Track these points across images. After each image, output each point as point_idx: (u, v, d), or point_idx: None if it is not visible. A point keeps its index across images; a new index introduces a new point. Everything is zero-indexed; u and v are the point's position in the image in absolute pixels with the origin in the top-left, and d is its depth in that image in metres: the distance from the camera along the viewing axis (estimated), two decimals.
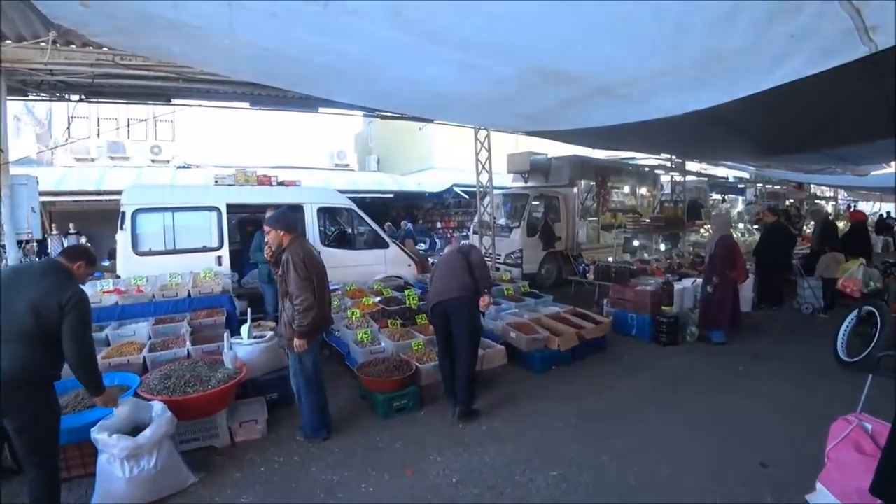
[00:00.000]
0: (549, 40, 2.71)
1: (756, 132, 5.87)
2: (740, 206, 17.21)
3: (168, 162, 18.11)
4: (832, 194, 24.19)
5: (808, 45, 2.71)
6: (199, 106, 8.53)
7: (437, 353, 4.80)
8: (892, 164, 10.50)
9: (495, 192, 12.30)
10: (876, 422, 2.97)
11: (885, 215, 21.81)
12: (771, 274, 8.52)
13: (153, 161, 17.90)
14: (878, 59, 2.76)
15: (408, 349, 5.16)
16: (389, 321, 5.77)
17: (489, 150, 10.13)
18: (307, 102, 8.46)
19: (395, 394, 4.49)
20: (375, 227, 8.55)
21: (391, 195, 20.19)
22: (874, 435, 2.89)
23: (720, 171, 15.52)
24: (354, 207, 8.52)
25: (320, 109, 9.44)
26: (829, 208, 22.19)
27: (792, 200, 19.06)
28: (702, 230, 11.58)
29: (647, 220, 8.84)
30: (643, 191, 13.46)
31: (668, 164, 11.95)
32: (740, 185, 17.04)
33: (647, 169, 12.59)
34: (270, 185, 8.01)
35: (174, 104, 8.49)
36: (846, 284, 5.91)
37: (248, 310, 5.44)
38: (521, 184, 12.33)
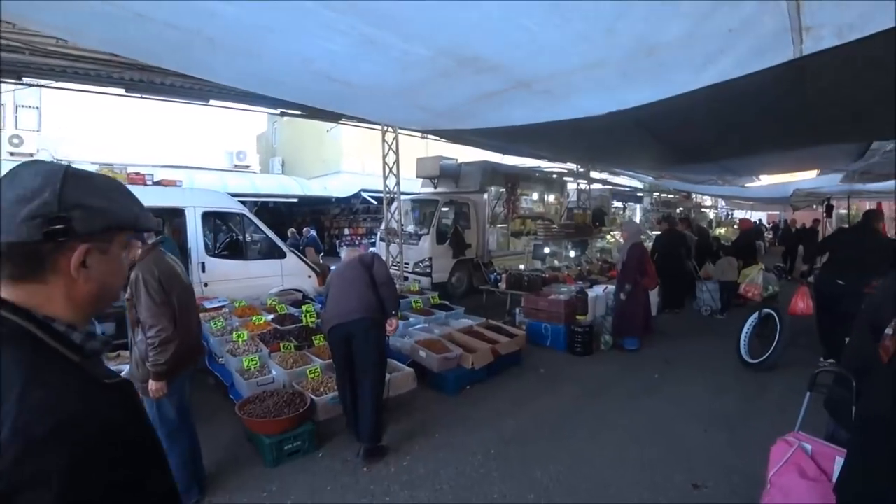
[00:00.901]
0: (469, 13, 2.22)
1: (662, 140, 5.88)
2: (638, 214, 18.11)
3: (32, 155, 15.59)
4: (712, 203, 26.44)
5: (743, 43, 2.52)
6: (58, 88, 7.21)
7: (336, 381, 4.15)
8: (762, 177, 11.42)
9: (404, 197, 11.80)
10: (815, 441, 2.79)
11: (757, 223, 24.09)
12: (671, 280, 8.77)
13: (12, 154, 15.31)
14: (776, 75, 2.76)
15: (303, 377, 4.46)
16: (282, 344, 5.01)
17: (397, 153, 9.58)
18: (196, 93, 7.46)
19: (286, 435, 3.77)
20: (271, 234, 7.68)
21: (295, 199, 19.03)
22: (815, 456, 2.71)
23: (620, 180, 16.21)
24: (247, 212, 7.60)
25: (212, 102, 8.42)
26: (712, 215, 24.18)
27: (681, 209, 20.48)
28: (608, 237, 11.85)
29: (558, 227, 8.76)
30: (551, 198, 13.62)
31: (575, 171, 12.11)
32: (638, 194, 17.93)
33: (554, 176, 12.72)
34: (144, 184, 6.85)
35: (24, 83, 7.07)
36: (748, 289, 6.06)
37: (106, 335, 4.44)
38: (431, 189, 11.92)
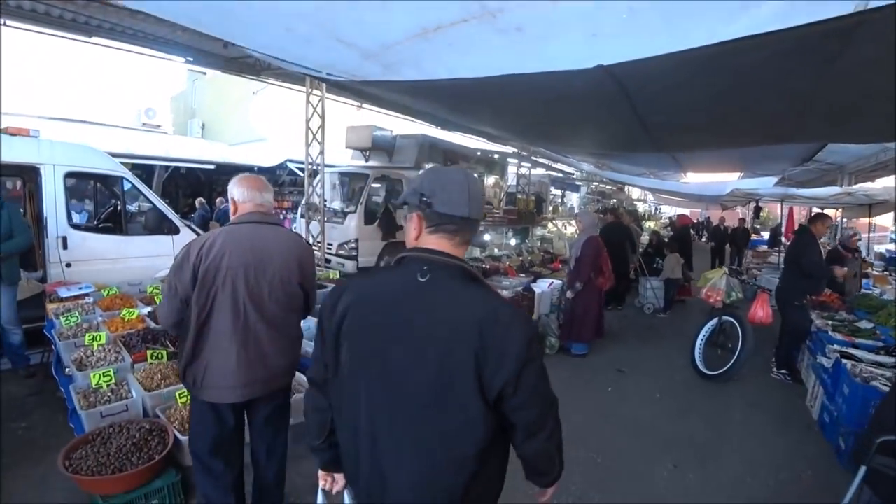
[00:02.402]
0: None
1: (622, 119, 5.16)
2: (576, 202, 17.81)
3: None
4: (641, 196, 26.87)
5: None
6: None
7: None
8: (689, 174, 11.26)
9: (330, 170, 10.58)
10: None
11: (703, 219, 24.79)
12: (615, 275, 8.24)
13: None
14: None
15: (171, 402, 3.31)
16: (151, 351, 3.80)
17: (322, 118, 8.37)
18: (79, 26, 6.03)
19: (134, 495, 2.66)
20: (159, 203, 6.34)
21: (213, 167, 17.06)
22: None
23: (558, 166, 15.71)
24: (128, 175, 6.17)
25: (95, 38, 6.92)
26: (641, 209, 24.52)
27: (615, 200, 20.48)
28: (549, 225, 11.22)
29: (501, 213, 7.95)
30: (490, 181, 12.81)
31: (518, 153, 11.31)
32: (577, 182, 17.60)
33: (496, 156, 11.85)
34: None
35: None
36: (710, 294, 5.52)
37: None
38: (362, 163, 10.74)
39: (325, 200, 8.70)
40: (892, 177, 10.44)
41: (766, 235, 18.86)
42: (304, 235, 8.55)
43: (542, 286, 6.61)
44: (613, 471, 3.58)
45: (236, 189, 2.46)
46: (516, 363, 1.18)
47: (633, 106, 4.07)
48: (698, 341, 5.57)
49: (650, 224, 21.43)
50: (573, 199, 17.93)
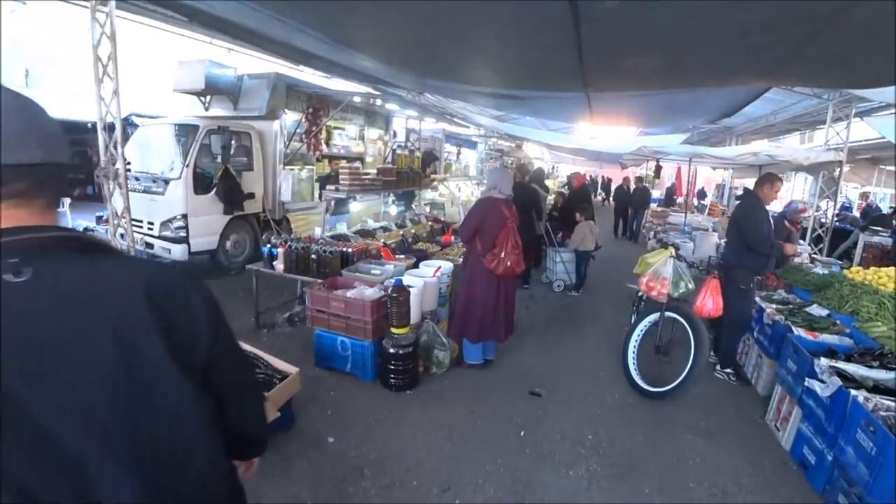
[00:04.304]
0: None
1: (537, 48, 3.53)
2: (472, 161, 16.22)
3: None
4: (540, 155, 26.08)
5: None
6: None
7: None
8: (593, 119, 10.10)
9: (148, 122, 8.02)
10: None
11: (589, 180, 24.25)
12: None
13: None
14: None
15: None
16: None
17: (114, 41, 5.80)
18: None
19: None
20: None
21: None
22: None
23: (453, 128, 13.94)
24: None
25: None
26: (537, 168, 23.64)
27: (512, 159, 19.23)
28: (440, 187, 9.42)
29: (373, 172, 6.01)
30: (373, 135, 10.73)
31: (405, 97, 9.19)
32: (473, 139, 15.97)
33: (377, 104, 9.65)
34: None
35: None
36: (651, 285, 4.04)
37: None
38: (202, 112, 8.19)
39: (128, 162, 6.18)
40: (797, 137, 9.99)
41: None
42: (108, 213, 6.10)
43: (424, 272, 4.85)
44: None
45: None
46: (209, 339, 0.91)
47: (577, 28, 2.57)
48: (631, 345, 4.18)
49: (551, 185, 20.60)
50: (470, 157, 16.33)
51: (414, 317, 4.31)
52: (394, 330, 3.82)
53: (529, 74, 4.31)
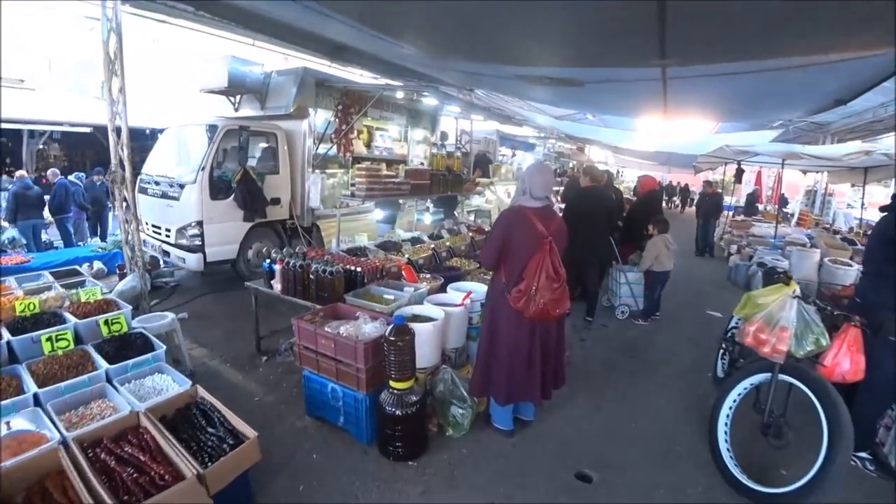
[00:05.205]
0: None
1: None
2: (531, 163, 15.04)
3: None
4: (604, 159, 24.37)
5: None
6: None
7: None
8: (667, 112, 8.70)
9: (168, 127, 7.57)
10: None
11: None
12: (583, 266, 5.60)
13: None
14: None
15: None
16: None
17: (119, 35, 5.27)
18: None
19: None
20: None
21: (89, 130, 13.70)
22: None
23: (513, 130, 12.85)
24: None
25: None
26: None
27: (574, 163, 17.83)
28: (487, 192, 8.39)
29: (402, 175, 5.09)
30: (417, 135, 9.87)
31: (455, 94, 8.10)
32: (531, 140, 14.80)
33: (419, 100, 8.62)
34: None
35: None
36: (761, 339, 2.78)
37: None
38: (233, 113, 7.65)
39: (124, 164, 5.56)
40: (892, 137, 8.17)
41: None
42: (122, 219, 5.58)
43: (451, 300, 3.87)
44: None
45: None
46: None
47: None
48: (723, 415, 2.99)
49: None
50: (527, 160, 15.16)
51: (429, 359, 3.37)
52: (393, 384, 2.88)
53: (593, 43, 3.24)
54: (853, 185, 18.24)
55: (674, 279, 6.12)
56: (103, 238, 9.77)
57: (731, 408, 2.98)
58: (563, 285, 2.91)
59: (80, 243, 9.26)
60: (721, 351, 4.06)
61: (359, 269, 3.95)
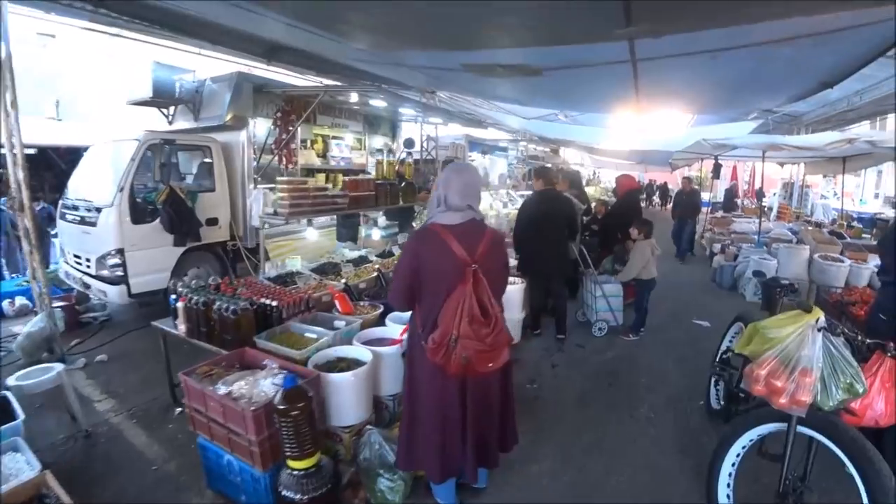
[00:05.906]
0: None
1: None
2: (504, 169, 14.46)
3: None
4: (580, 161, 23.98)
5: None
6: None
7: None
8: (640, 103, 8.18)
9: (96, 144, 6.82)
10: None
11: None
12: (548, 276, 5.02)
13: None
14: None
15: None
16: None
17: (7, 43, 4.57)
18: None
19: None
20: None
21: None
22: None
23: (482, 132, 12.25)
24: None
25: None
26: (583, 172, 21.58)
27: (549, 164, 17.29)
28: None
29: (333, 187, 4.40)
30: (377, 142, 9.20)
31: (421, 98, 7.39)
32: (501, 144, 14.22)
33: (377, 106, 7.98)
34: None
35: None
36: (774, 386, 2.04)
37: None
38: (167, 127, 6.93)
39: (14, 189, 4.81)
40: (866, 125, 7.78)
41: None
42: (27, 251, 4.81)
43: (388, 335, 3.20)
44: None
45: None
46: None
47: None
48: (725, 471, 2.35)
49: (592, 191, 18.47)
50: (499, 165, 14.60)
51: (354, 416, 2.69)
52: (290, 463, 2.18)
53: (544, 8, 2.60)
54: (825, 176, 18.04)
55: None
56: (47, 268, 8.91)
57: (734, 464, 2.34)
58: (497, 329, 2.13)
59: (13, 275, 8.43)
60: (714, 378, 3.44)
61: (275, 304, 3.24)
